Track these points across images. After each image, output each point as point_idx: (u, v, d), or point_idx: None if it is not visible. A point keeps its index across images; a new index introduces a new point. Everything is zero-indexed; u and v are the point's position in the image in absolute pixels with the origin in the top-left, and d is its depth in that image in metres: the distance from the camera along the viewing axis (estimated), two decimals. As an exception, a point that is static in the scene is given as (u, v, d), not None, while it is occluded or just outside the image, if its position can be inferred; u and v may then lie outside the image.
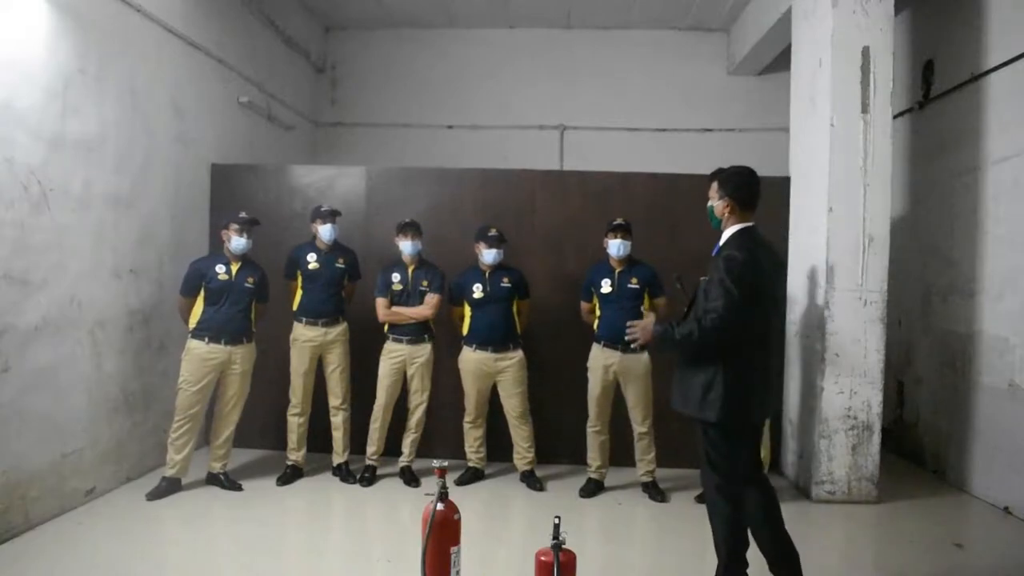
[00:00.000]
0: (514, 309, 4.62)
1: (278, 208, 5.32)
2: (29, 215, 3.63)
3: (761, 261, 2.86)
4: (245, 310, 4.40)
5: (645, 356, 4.46)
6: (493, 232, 4.54)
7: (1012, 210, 4.47)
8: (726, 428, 2.88)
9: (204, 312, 4.30)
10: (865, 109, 4.52)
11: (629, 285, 4.43)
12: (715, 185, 3.03)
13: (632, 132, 7.32)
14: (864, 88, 4.52)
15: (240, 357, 4.38)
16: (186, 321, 4.36)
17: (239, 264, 4.39)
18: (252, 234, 4.41)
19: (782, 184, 5.17)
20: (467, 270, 4.65)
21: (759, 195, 2.99)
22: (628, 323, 3.11)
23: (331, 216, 4.60)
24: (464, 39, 7.46)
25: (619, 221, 4.46)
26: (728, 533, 2.96)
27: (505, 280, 4.57)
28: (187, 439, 4.29)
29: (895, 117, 4.91)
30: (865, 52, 4.51)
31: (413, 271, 4.63)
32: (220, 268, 4.33)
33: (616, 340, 4.38)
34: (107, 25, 4.16)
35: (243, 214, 4.40)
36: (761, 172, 5.28)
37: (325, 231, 4.59)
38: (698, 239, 5.13)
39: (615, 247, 4.42)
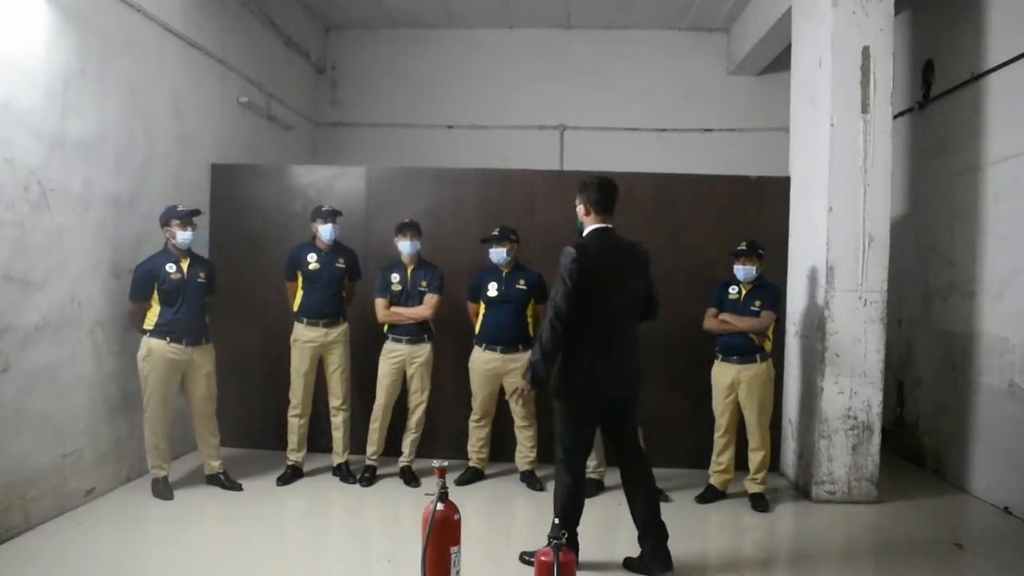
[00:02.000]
0: (529, 311, 4.62)
1: (278, 208, 5.32)
2: (29, 215, 3.63)
3: (599, 254, 3.26)
4: (202, 308, 4.33)
5: None
6: (495, 232, 4.54)
7: (1012, 210, 4.46)
8: (565, 398, 3.28)
9: (161, 314, 4.15)
10: (865, 109, 4.52)
11: None
12: (578, 194, 3.45)
13: (632, 132, 7.32)
14: (864, 88, 4.52)
15: (203, 358, 4.31)
16: (139, 327, 4.20)
17: (188, 260, 4.26)
18: (195, 226, 4.27)
19: (782, 184, 5.18)
20: (488, 268, 4.65)
21: (613, 200, 3.39)
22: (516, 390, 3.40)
23: (331, 216, 4.59)
24: (464, 39, 7.45)
25: None
26: (566, 504, 3.30)
27: (521, 282, 4.57)
28: (164, 440, 4.24)
29: (895, 117, 4.90)
30: (865, 52, 4.51)
31: (412, 271, 4.63)
32: (171, 267, 4.17)
33: None
34: (107, 25, 4.16)
35: (181, 206, 4.26)
36: (761, 172, 5.40)
37: (325, 231, 4.58)
38: (698, 239, 5.16)
39: None
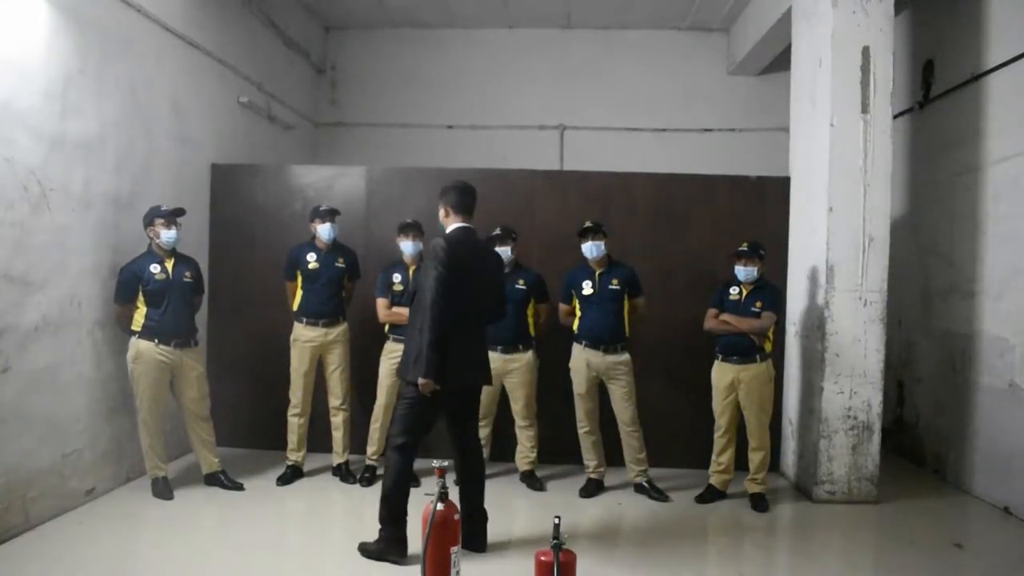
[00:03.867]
0: (529, 311, 4.62)
1: (278, 208, 5.32)
2: (29, 215, 3.63)
3: (462, 247, 3.48)
4: (189, 309, 4.31)
5: (626, 355, 4.48)
6: (497, 231, 4.55)
7: (1012, 210, 4.47)
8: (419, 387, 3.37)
9: (148, 316, 4.10)
10: (865, 109, 4.52)
11: (610, 286, 4.45)
12: (439, 198, 3.68)
13: (632, 132, 7.32)
14: (864, 88, 4.52)
15: (192, 360, 4.28)
16: (126, 330, 4.16)
17: (173, 260, 4.21)
18: (179, 225, 4.23)
19: (782, 184, 5.18)
20: None
21: (472, 203, 3.61)
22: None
23: (330, 215, 4.59)
24: (464, 39, 7.45)
25: (588, 223, 4.47)
26: (399, 485, 3.44)
27: (520, 282, 4.57)
28: (159, 441, 4.23)
29: (895, 117, 4.90)
30: (865, 52, 4.51)
31: (414, 271, 4.63)
32: (155, 268, 4.12)
33: (598, 341, 4.43)
34: (107, 25, 4.16)
35: (164, 206, 4.21)
36: (761, 172, 5.41)
37: (324, 230, 4.58)
38: (698, 239, 5.16)
39: (588, 249, 4.44)
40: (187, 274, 4.28)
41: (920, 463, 5.41)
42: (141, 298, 4.13)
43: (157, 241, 4.17)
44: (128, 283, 4.11)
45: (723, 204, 5.17)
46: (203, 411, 4.40)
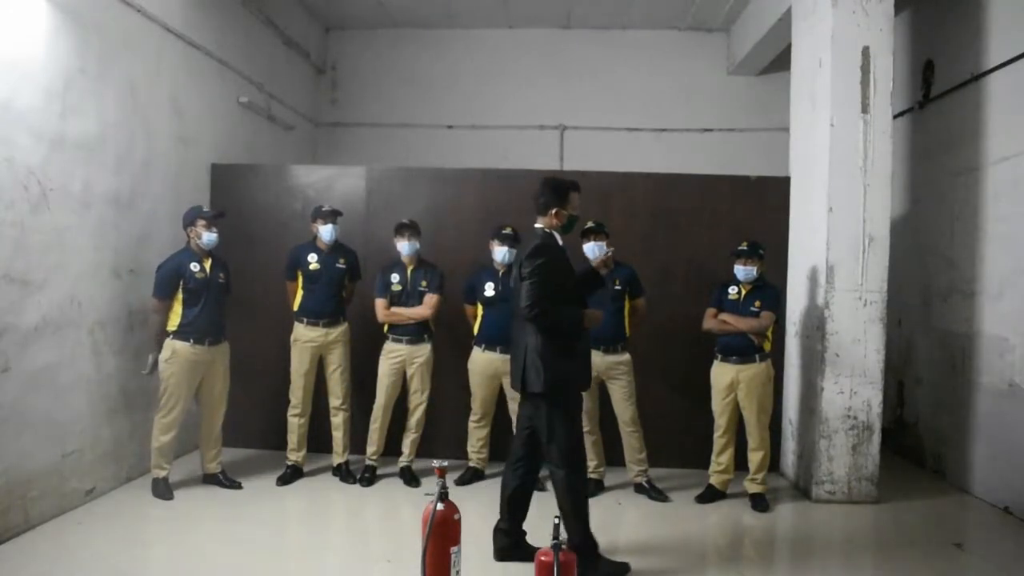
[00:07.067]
0: None
1: (278, 208, 5.32)
2: (29, 215, 3.63)
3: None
4: (222, 307, 4.39)
5: (627, 355, 4.48)
6: (507, 230, 4.52)
7: (1012, 210, 4.46)
8: None
9: (185, 315, 4.19)
10: (865, 109, 4.52)
11: (612, 287, 4.43)
12: None
13: (632, 132, 7.32)
14: (864, 88, 4.52)
15: (221, 356, 4.38)
16: (158, 328, 4.22)
17: (210, 260, 4.33)
18: (219, 227, 4.33)
19: (782, 184, 5.18)
20: (481, 269, 4.65)
21: (536, 200, 3.62)
22: None
23: (331, 216, 4.60)
24: (464, 39, 7.46)
25: (590, 224, 4.45)
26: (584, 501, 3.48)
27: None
28: (173, 441, 4.26)
29: (895, 117, 4.90)
30: (865, 52, 4.51)
31: (412, 271, 4.63)
32: (195, 266, 4.24)
33: (598, 341, 4.41)
34: (107, 25, 4.16)
35: (206, 208, 4.34)
36: (761, 172, 5.41)
37: (325, 231, 4.59)
38: (698, 239, 5.16)
39: (590, 250, 4.41)
40: (221, 275, 4.37)
41: (920, 463, 5.41)
42: (178, 296, 4.20)
43: (198, 242, 4.27)
44: (168, 278, 4.19)
45: (723, 204, 5.17)
46: (221, 403, 4.46)
